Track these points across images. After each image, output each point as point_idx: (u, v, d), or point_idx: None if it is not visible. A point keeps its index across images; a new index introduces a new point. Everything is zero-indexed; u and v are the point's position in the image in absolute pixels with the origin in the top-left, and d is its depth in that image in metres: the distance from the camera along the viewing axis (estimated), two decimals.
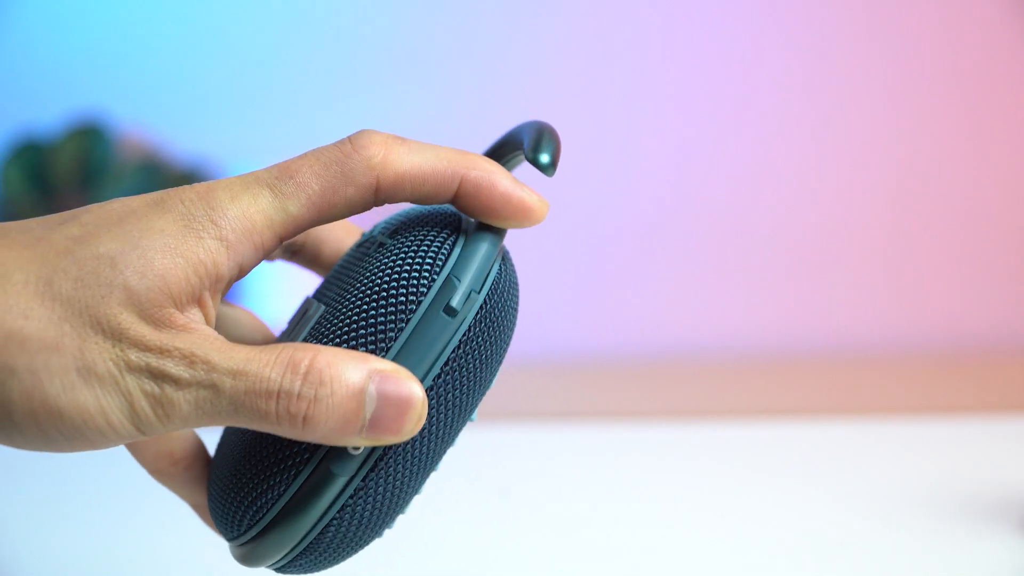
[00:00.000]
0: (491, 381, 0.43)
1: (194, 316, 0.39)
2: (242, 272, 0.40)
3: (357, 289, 0.42)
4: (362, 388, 0.38)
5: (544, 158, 0.43)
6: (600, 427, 1.02)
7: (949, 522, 0.72)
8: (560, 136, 0.44)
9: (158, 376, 0.37)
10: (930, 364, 1.38)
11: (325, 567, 0.43)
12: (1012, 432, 0.97)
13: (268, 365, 0.38)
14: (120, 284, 0.37)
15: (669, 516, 0.77)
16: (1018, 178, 1.46)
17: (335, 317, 0.42)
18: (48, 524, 0.77)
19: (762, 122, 1.47)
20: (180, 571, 0.67)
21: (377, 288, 0.41)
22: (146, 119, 1.47)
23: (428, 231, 0.42)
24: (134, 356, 0.37)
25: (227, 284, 0.40)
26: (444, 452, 0.43)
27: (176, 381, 0.37)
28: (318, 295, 0.46)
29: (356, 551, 0.42)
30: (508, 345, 0.43)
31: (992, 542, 0.68)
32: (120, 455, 0.51)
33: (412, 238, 0.42)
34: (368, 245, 0.44)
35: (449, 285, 0.41)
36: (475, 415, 0.43)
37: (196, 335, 0.38)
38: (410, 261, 0.41)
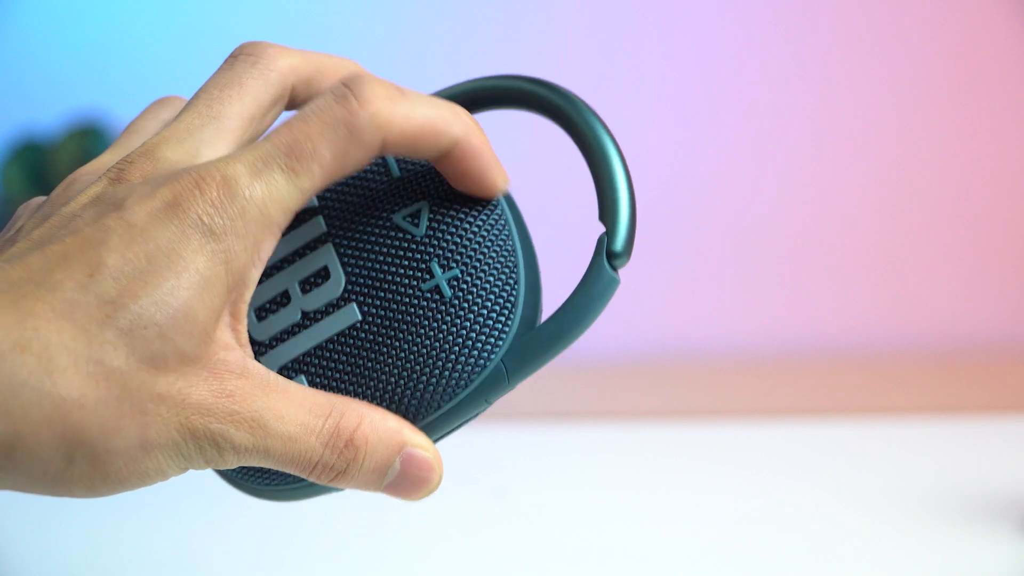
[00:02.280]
0: None
1: (239, 337, 0.39)
2: (263, 260, 0.40)
3: (401, 338, 0.41)
4: (390, 464, 0.40)
5: (618, 244, 0.43)
6: (598, 427, 1.02)
7: (949, 522, 0.72)
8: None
9: (218, 438, 0.38)
10: (930, 364, 1.38)
11: None
12: (1012, 432, 0.97)
13: (316, 433, 0.39)
14: (172, 353, 0.37)
15: (668, 516, 0.77)
16: (1018, 178, 1.46)
17: (376, 355, 0.41)
18: (49, 523, 0.77)
19: (761, 121, 1.47)
20: (180, 571, 0.67)
21: (427, 351, 0.41)
22: None
23: (491, 284, 0.42)
24: (196, 421, 0.37)
25: (255, 280, 0.40)
26: None
27: (234, 445, 0.38)
28: (332, 234, 0.44)
29: None
30: None
31: (992, 542, 0.68)
32: None
33: (475, 287, 0.42)
34: (404, 232, 0.43)
35: (498, 377, 0.41)
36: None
37: (248, 384, 0.38)
38: (470, 334, 0.41)
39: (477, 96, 0.49)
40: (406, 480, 0.40)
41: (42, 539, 0.74)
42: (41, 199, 0.43)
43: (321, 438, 0.39)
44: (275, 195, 0.39)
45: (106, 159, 0.43)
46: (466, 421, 0.42)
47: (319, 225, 0.44)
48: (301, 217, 0.44)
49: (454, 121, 0.42)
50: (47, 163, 1.41)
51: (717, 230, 1.47)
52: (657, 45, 1.47)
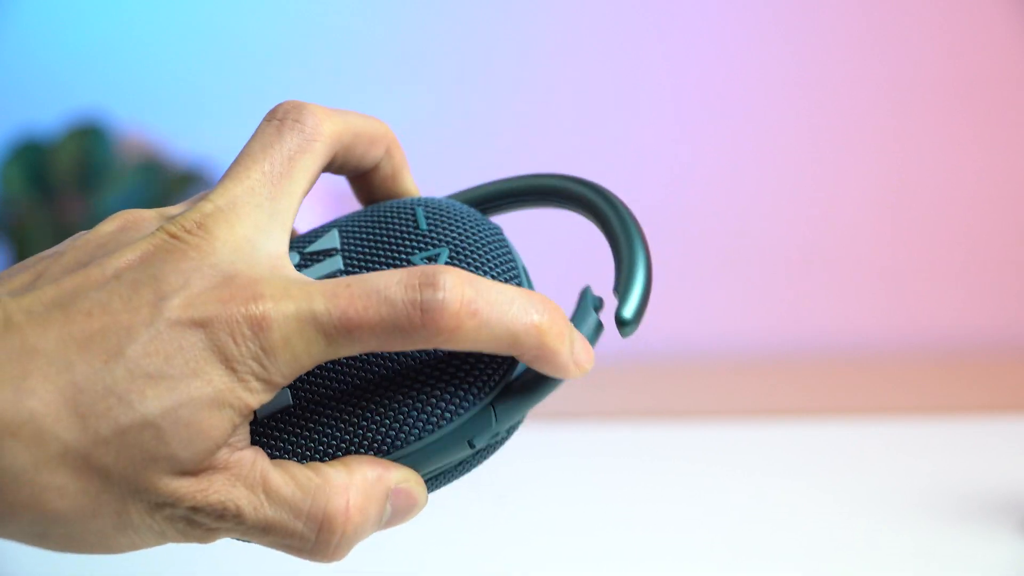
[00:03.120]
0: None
1: (235, 438, 0.38)
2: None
3: (392, 361, 0.41)
4: (383, 513, 0.40)
5: (628, 311, 0.42)
6: (598, 427, 1.02)
7: (949, 522, 0.72)
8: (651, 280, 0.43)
9: (194, 523, 0.38)
10: (930, 364, 1.38)
11: None
12: (1012, 432, 0.97)
13: (297, 516, 0.39)
14: (165, 455, 0.37)
15: (667, 516, 0.77)
16: (1018, 178, 1.46)
17: (363, 377, 0.41)
18: None
19: (762, 123, 1.47)
20: (179, 570, 0.67)
21: (413, 384, 0.40)
22: (146, 119, 1.47)
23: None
24: (171, 510, 0.38)
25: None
26: None
27: (209, 528, 0.38)
28: (345, 252, 0.44)
29: None
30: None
31: (992, 542, 0.68)
32: None
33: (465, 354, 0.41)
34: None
35: (484, 418, 0.41)
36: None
37: (233, 473, 0.38)
38: (459, 372, 0.40)
39: (516, 193, 0.48)
40: (397, 514, 0.40)
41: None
42: (94, 231, 0.42)
43: (301, 521, 0.39)
44: (311, 352, 0.38)
45: (168, 211, 0.42)
46: (449, 465, 0.41)
47: (337, 263, 0.43)
48: (320, 256, 0.44)
49: (525, 337, 0.39)
50: (47, 163, 1.41)
51: (717, 231, 1.47)
52: (658, 48, 1.47)
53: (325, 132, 0.42)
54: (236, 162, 0.41)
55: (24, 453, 0.35)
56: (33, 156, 1.42)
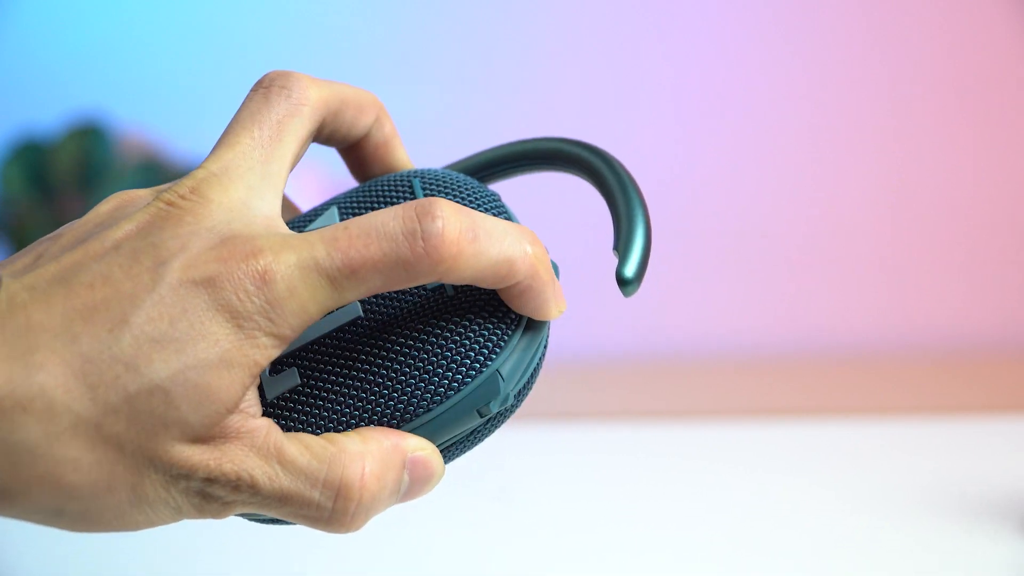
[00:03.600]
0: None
1: (245, 403, 0.38)
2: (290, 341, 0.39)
3: (398, 333, 0.41)
4: (400, 481, 0.40)
5: (628, 270, 0.42)
6: (598, 427, 1.02)
7: (949, 522, 0.72)
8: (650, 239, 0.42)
9: (209, 497, 0.38)
10: (930, 364, 1.38)
11: None
12: (1012, 432, 0.97)
13: (314, 486, 0.38)
14: (175, 420, 0.37)
15: (667, 516, 0.77)
16: (1018, 178, 1.46)
17: (371, 352, 0.41)
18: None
19: (761, 122, 1.47)
20: (180, 569, 0.67)
21: (422, 349, 0.41)
22: (146, 119, 1.47)
23: (488, 319, 0.41)
24: (187, 483, 0.37)
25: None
26: None
27: (225, 502, 0.38)
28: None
29: None
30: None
31: (992, 542, 0.68)
32: None
33: (478, 289, 0.41)
34: None
35: (492, 383, 0.40)
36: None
37: (246, 442, 0.38)
38: (466, 337, 0.40)
39: (513, 159, 0.48)
40: (415, 484, 0.40)
41: (42, 538, 0.74)
42: (89, 213, 0.42)
43: (317, 490, 0.38)
44: (317, 299, 0.38)
45: (165, 186, 0.42)
46: (463, 435, 0.41)
47: None
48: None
49: (521, 263, 0.40)
50: (47, 163, 1.41)
51: (717, 230, 1.47)
52: (657, 46, 1.47)
53: (312, 97, 0.42)
54: (227, 130, 0.41)
55: (37, 427, 0.35)
56: (33, 156, 1.42)
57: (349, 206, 0.45)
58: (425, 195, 0.44)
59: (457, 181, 0.45)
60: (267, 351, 0.38)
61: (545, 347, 0.42)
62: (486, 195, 0.44)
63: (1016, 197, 1.46)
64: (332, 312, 0.42)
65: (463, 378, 0.40)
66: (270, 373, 0.42)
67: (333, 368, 0.42)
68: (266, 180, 0.40)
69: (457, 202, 0.43)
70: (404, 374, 0.41)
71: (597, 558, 0.68)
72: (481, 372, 0.40)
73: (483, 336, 0.41)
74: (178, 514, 0.38)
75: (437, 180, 0.45)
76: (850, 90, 1.46)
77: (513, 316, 0.41)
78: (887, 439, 0.96)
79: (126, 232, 0.38)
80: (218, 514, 0.38)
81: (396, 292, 0.42)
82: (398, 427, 0.40)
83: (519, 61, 1.46)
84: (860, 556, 0.67)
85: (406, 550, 0.66)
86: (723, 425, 1.02)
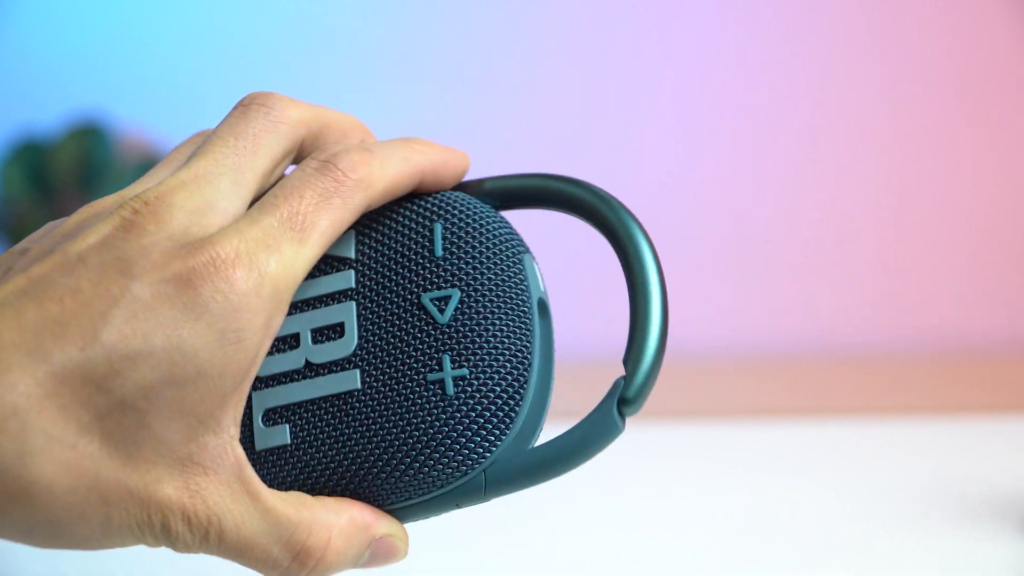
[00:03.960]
0: None
1: (225, 422, 0.38)
2: (274, 334, 0.39)
3: (393, 420, 0.41)
4: (361, 556, 0.41)
5: (632, 392, 0.42)
6: None
7: (949, 522, 0.72)
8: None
9: (172, 533, 0.38)
10: (930, 364, 1.38)
11: None
12: (1012, 432, 0.97)
13: (276, 543, 0.39)
14: (149, 442, 0.37)
15: (667, 516, 0.77)
16: (1018, 178, 1.46)
17: (364, 428, 0.41)
18: None
19: (762, 122, 1.47)
20: (179, 569, 0.67)
21: (415, 441, 0.41)
22: (146, 119, 1.47)
23: (495, 394, 0.41)
24: (156, 517, 0.37)
25: (263, 356, 0.39)
26: None
27: (186, 543, 0.38)
28: (359, 292, 0.43)
29: None
30: None
31: (992, 542, 0.68)
32: None
33: (478, 393, 0.41)
34: (428, 315, 0.42)
35: (475, 486, 0.42)
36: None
37: (222, 479, 0.38)
38: (460, 438, 0.41)
39: (546, 198, 0.47)
40: (375, 559, 0.41)
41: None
42: (58, 222, 0.42)
43: (279, 549, 0.39)
44: (287, 268, 0.38)
45: (127, 192, 0.42)
46: (431, 516, 0.42)
47: (349, 279, 0.43)
48: (334, 264, 0.44)
49: (417, 159, 0.42)
50: (47, 163, 1.41)
51: (717, 230, 1.47)
52: (658, 46, 1.47)
53: (292, 117, 0.42)
54: (204, 144, 0.41)
55: (11, 447, 0.35)
56: (33, 156, 1.42)
57: (367, 237, 0.44)
58: (443, 250, 0.43)
59: (479, 234, 0.43)
60: (255, 351, 0.38)
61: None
62: (506, 260, 0.43)
63: (1016, 197, 1.46)
64: (327, 375, 0.42)
65: (449, 477, 0.41)
66: (263, 424, 0.42)
67: (326, 437, 0.42)
68: (237, 186, 0.40)
69: (473, 269, 0.43)
70: (391, 464, 0.41)
71: (597, 558, 0.68)
72: (467, 474, 0.41)
73: (478, 437, 0.41)
74: (139, 541, 0.38)
75: (459, 229, 0.43)
76: (851, 91, 1.46)
77: (510, 407, 0.41)
78: (887, 439, 0.96)
79: (90, 244, 0.38)
80: (174, 546, 0.38)
81: (397, 373, 0.42)
82: (379, 506, 0.41)
83: (519, 61, 1.46)
84: (860, 556, 0.67)
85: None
86: (723, 425, 1.02)
